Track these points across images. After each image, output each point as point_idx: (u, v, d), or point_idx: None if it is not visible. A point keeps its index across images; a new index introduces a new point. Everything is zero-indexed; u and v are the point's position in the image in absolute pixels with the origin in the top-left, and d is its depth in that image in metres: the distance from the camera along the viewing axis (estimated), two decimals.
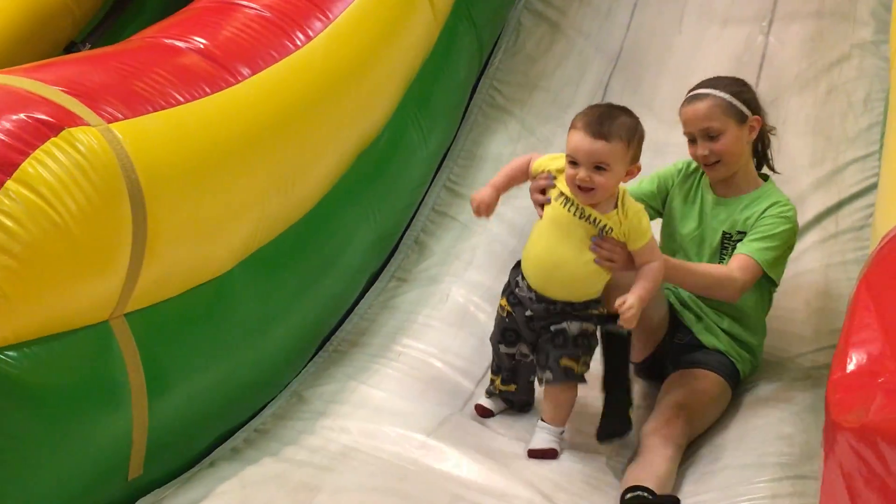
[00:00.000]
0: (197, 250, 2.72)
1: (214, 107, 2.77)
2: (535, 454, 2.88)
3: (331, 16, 3.30)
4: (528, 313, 2.93)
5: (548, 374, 2.91)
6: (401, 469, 2.79)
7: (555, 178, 2.86)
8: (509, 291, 2.99)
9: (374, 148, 3.62)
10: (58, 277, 2.29)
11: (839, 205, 3.77)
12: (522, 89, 4.47)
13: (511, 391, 3.07)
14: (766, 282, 3.10)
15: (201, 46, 2.91)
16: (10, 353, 2.24)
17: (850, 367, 1.69)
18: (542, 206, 2.88)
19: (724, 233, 3.10)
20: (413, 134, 3.91)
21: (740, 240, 3.07)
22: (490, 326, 3.13)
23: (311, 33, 3.20)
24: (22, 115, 2.31)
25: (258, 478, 2.72)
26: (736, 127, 3.05)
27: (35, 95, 2.39)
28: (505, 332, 3.02)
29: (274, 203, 3.00)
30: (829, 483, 1.68)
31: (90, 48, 4.08)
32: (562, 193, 2.83)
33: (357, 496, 2.64)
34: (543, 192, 2.89)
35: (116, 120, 2.47)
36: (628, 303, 2.73)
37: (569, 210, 2.81)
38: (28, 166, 2.24)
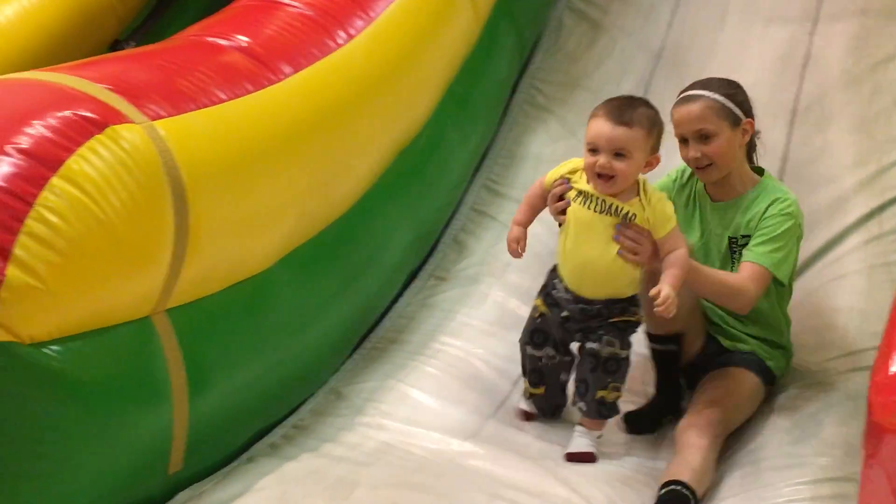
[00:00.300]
0: (238, 247, 2.74)
1: (256, 105, 2.79)
2: (573, 458, 2.88)
3: (372, 14, 3.32)
4: (564, 314, 2.91)
5: (581, 405, 2.91)
6: (438, 466, 2.79)
7: (569, 180, 2.87)
8: (545, 293, 2.97)
9: (414, 146, 3.63)
10: (101, 273, 2.31)
11: (883, 206, 3.72)
12: (563, 88, 4.46)
13: (540, 394, 3.04)
14: (775, 282, 3.03)
15: (244, 45, 2.93)
16: (54, 347, 2.26)
17: (894, 368, 1.67)
18: (562, 213, 2.87)
19: (730, 238, 3.05)
20: (453, 133, 3.91)
21: (746, 243, 3.01)
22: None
23: (352, 32, 3.22)
24: (67, 113, 2.34)
25: (296, 473, 2.73)
26: (729, 129, 2.98)
27: (80, 93, 2.42)
28: (533, 334, 3.00)
29: (314, 201, 3.02)
30: (871, 485, 1.66)
31: (134, 46, 4.12)
32: (580, 192, 2.83)
33: (394, 493, 2.64)
34: (561, 198, 2.89)
35: (160, 117, 2.49)
36: (664, 293, 2.70)
37: (589, 207, 2.81)
38: (73, 163, 2.27)
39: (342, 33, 3.19)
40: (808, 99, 4.17)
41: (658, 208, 2.79)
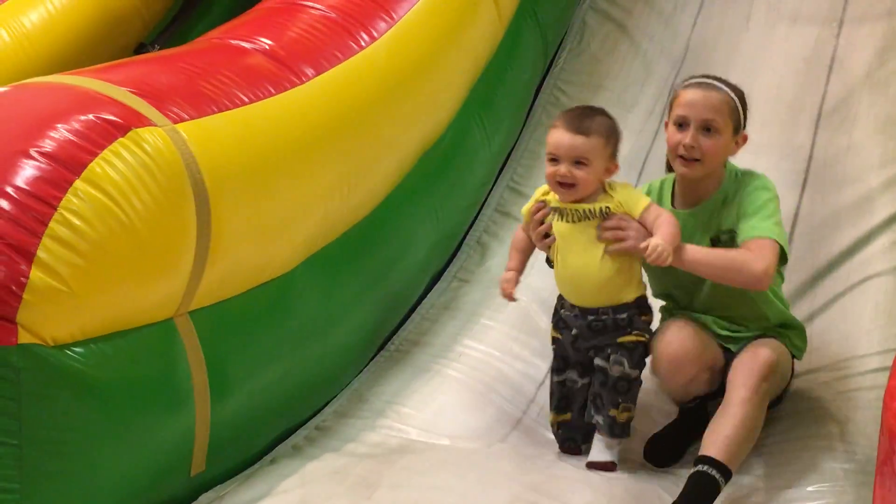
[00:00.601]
0: (260, 249, 2.74)
1: (279, 107, 2.80)
2: (594, 466, 2.86)
3: (395, 16, 3.32)
4: (573, 332, 2.91)
5: (598, 419, 2.88)
6: (459, 468, 2.79)
7: (544, 202, 2.92)
8: (555, 318, 2.98)
9: (438, 148, 3.63)
10: (124, 275, 2.32)
11: None
12: (587, 89, 4.45)
13: (566, 420, 2.97)
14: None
15: (266, 47, 2.94)
16: (77, 350, 2.28)
17: None
18: (545, 236, 2.91)
19: (712, 239, 2.92)
20: (477, 134, 3.91)
21: (731, 237, 2.88)
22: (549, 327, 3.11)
23: (375, 34, 3.22)
24: (90, 116, 2.35)
25: (318, 474, 2.74)
26: (731, 133, 2.89)
27: (103, 96, 2.43)
28: (553, 362, 3.00)
29: (337, 203, 3.02)
30: (885, 490, 1.64)
31: (159, 49, 4.14)
32: (554, 209, 2.89)
33: (415, 493, 2.64)
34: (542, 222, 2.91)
35: (182, 120, 2.50)
36: (652, 242, 2.71)
37: (566, 220, 2.86)
38: (96, 166, 2.28)
39: (365, 35, 3.19)
40: (833, 100, 4.13)
41: (625, 191, 2.86)
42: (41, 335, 2.21)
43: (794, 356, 3.02)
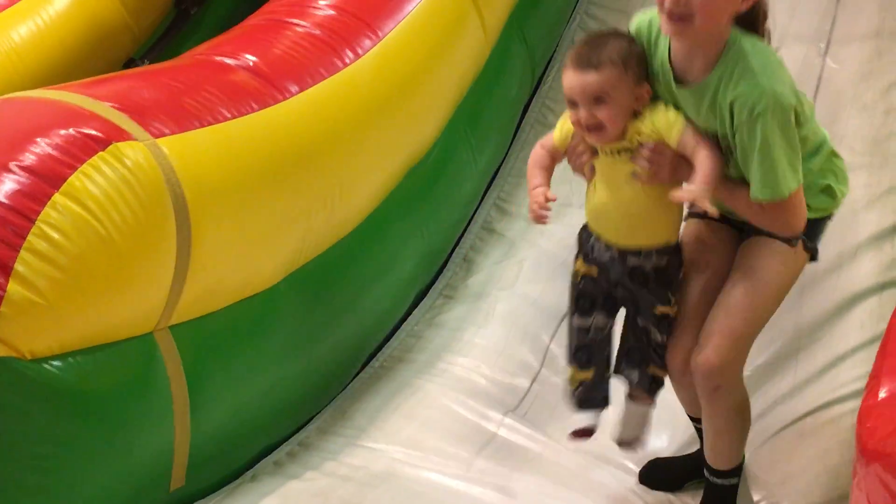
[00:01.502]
0: (242, 264, 2.75)
1: (262, 123, 2.81)
2: (625, 444, 2.73)
3: (380, 34, 3.33)
4: (611, 276, 2.61)
5: (634, 375, 2.64)
6: (443, 493, 2.79)
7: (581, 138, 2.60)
8: (583, 253, 2.66)
9: (424, 165, 3.64)
10: (102, 289, 2.33)
11: (895, 227, 3.70)
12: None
13: (588, 379, 2.65)
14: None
15: (250, 63, 2.95)
16: (55, 363, 2.28)
17: (882, 394, 1.65)
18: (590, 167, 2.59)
19: (705, 130, 2.50)
20: (463, 151, 3.92)
21: (728, 145, 2.45)
22: (537, 336, 3.09)
23: (360, 51, 3.23)
24: (71, 130, 2.36)
25: (300, 494, 2.73)
26: None
27: (84, 110, 2.45)
28: (578, 300, 2.66)
29: (321, 219, 3.03)
30: None
31: (148, 64, 4.15)
32: (591, 149, 2.58)
33: None
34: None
35: (164, 135, 2.51)
36: (689, 189, 2.41)
37: (603, 153, 2.54)
38: (75, 180, 2.29)
39: (350, 52, 3.20)
40: (820, 120, 4.13)
41: (658, 117, 2.48)
42: (19, 348, 2.21)
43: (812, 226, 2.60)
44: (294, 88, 2.95)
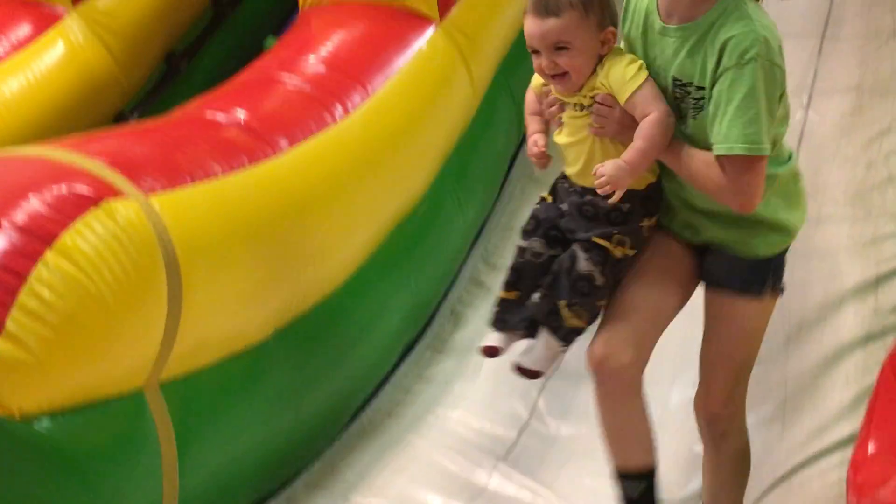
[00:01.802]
0: (231, 319, 2.75)
1: (252, 179, 2.83)
2: (521, 370, 2.49)
3: (370, 89, 3.36)
4: (563, 206, 2.49)
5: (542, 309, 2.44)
6: None
7: (549, 90, 2.49)
8: (552, 186, 2.57)
9: (412, 219, 3.66)
10: (92, 347, 2.33)
11: (878, 279, 3.73)
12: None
13: (512, 299, 2.51)
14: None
15: (241, 119, 2.99)
16: (44, 422, 2.28)
17: (871, 448, 1.67)
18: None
19: (673, 78, 2.33)
20: (451, 205, 3.94)
21: (701, 98, 2.29)
22: (525, 389, 3.07)
23: (350, 106, 3.26)
24: (62, 187, 2.38)
25: None
26: None
27: (76, 168, 2.47)
28: (528, 221, 2.55)
29: (309, 273, 3.04)
30: None
31: (138, 118, 4.18)
32: (559, 103, 2.46)
33: None
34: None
35: (155, 191, 2.53)
36: (601, 169, 2.29)
37: (570, 112, 2.43)
38: (66, 238, 2.30)
39: (340, 108, 3.23)
40: (803, 170, 4.18)
41: (614, 71, 2.36)
42: (8, 407, 2.21)
43: (769, 266, 2.52)
44: (284, 144, 2.98)
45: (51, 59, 4.00)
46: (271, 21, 4.87)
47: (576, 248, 2.43)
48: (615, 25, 2.40)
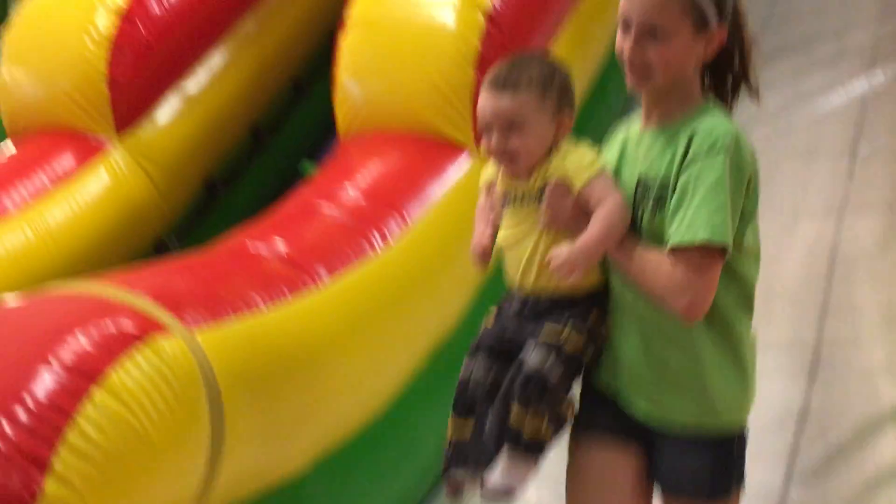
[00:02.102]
0: (272, 453, 2.76)
1: (293, 311, 2.87)
2: (489, 495, 2.21)
3: (409, 219, 3.41)
4: (503, 322, 2.30)
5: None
6: None
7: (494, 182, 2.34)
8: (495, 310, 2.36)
9: (449, 346, 3.67)
10: (137, 484, 2.34)
11: None
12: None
13: (468, 431, 2.28)
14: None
15: (282, 251, 3.04)
16: None
17: None
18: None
19: (639, 178, 2.19)
20: None
21: (662, 196, 2.13)
22: None
23: (389, 236, 3.31)
24: (108, 324, 2.42)
25: None
26: (689, 34, 2.13)
27: (121, 304, 2.51)
28: (471, 343, 2.36)
29: (348, 404, 3.06)
30: None
31: (178, 246, 4.25)
32: (504, 194, 2.29)
33: None
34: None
35: (199, 326, 2.57)
36: (555, 253, 2.12)
37: (515, 205, 2.26)
38: (112, 375, 2.33)
39: (379, 238, 3.29)
40: (837, 292, 4.20)
41: (571, 156, 2.21)
42: None
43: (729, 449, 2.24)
44: (325, 275, 3.02)
45: (94, 189, 4.09)
46: (308, 146, 4.99)
47: (524, 350, 2.21)
48: (572, 112, 2.26)
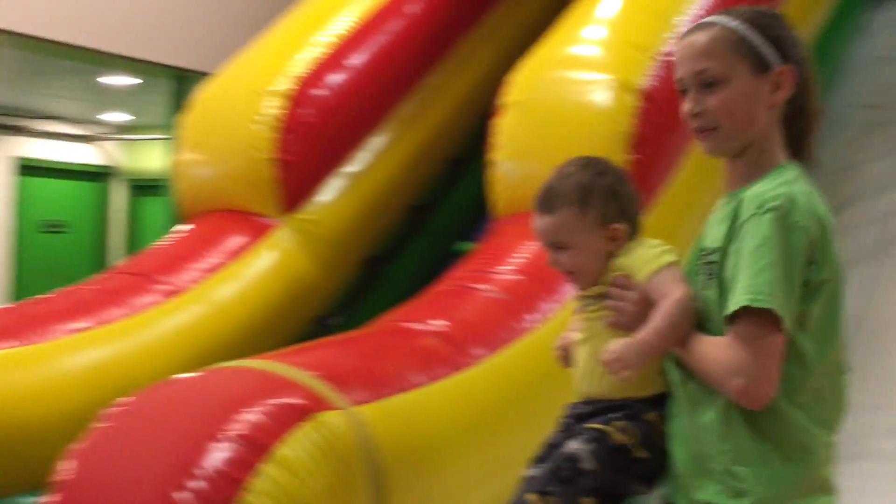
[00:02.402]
0: None
1: (451, 387, 2.95)
2: None
3: (563, 297, 3.46)
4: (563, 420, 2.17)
5: None
6: None
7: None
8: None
9: None
10: None
11: None
12: None
13: None
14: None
15: (440, 329, 3.12)
16: None
17: None
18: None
19: (701, 250, 2.03)
20: None
21: (713, 261, 1.95)
22: None
23: (540, 314, 3.37)
24: (276, 400, 2.54)
25: None
26: (748, 75, 1.96)
27: (290, 380, 2.63)
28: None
29: (505, 479, 3.09)
30: None
31: (338, 321, 4.38)
32: (577, 299, 2.20)
33: None
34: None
35: (361, 403, 2.67)
36: (612, 346, 1.96)
37: (585, 309, 2.15)
38: (280, 449, 2.44)
39: (530, 315, 3.35)
40: None
41: (636, 252, 2.09)
42: None
43: None
44: (481, 353, 3.10)
45: (262, 266, 4.25)
46: (462, 227, 5.10)
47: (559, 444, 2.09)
48: (627, 220, 2.12)
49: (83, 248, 10.31)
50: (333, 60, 4.43)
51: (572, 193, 2.11)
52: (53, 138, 9.91)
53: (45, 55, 6.61)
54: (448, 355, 3.03)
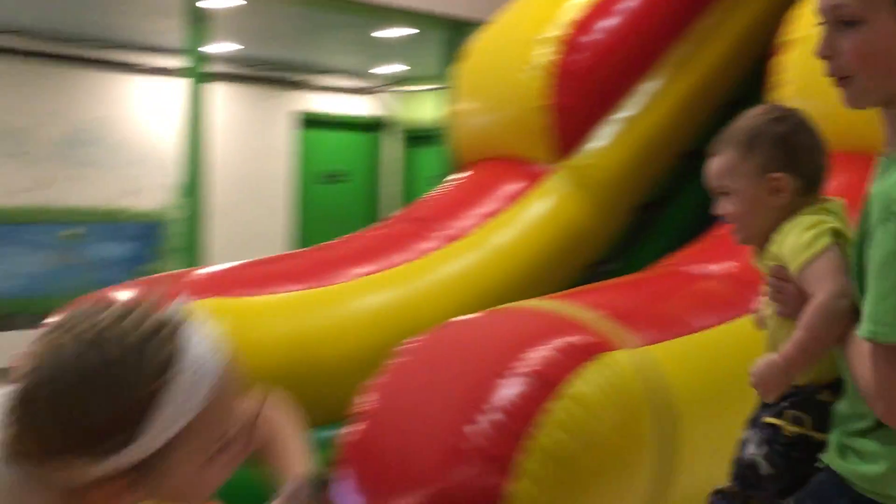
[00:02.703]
0: (715, 471, 2.81)
1: (740, 331, 2.90)
2: None
3: None
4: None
5: None
6: None
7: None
8: None
9: None
10: (590, 490, 2.48)
11: None
12: None
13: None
14: None
15: (726, 271, 3.07)
16: None
17: None
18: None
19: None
20: None
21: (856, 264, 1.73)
22: None
23: None
24: (567, 339, 2.59)
25: None
26: (890, 17, 1.63)
27: (577, 320, 2.67)
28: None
29: None
30: None
31: (608, 269, 4.38)
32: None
33: None
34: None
35: (651, 343, 2.68)
36: (755, 368, 1.85)
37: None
38: (574, 383, 2.48)
39: None
40: None
41: (790, 237, 1.89)
42: None
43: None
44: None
45: (538, 212, 4.31)
46: None
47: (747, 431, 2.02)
48: (797, 174, 1.93)
49: (359, 197, 10.71)
50: (605, 4, 4.40)
51: (741, 134, 1.98)
52: (331, 92, 10.30)
53: (324, 11, 6.85)
54: (736, 298, 2.98)
